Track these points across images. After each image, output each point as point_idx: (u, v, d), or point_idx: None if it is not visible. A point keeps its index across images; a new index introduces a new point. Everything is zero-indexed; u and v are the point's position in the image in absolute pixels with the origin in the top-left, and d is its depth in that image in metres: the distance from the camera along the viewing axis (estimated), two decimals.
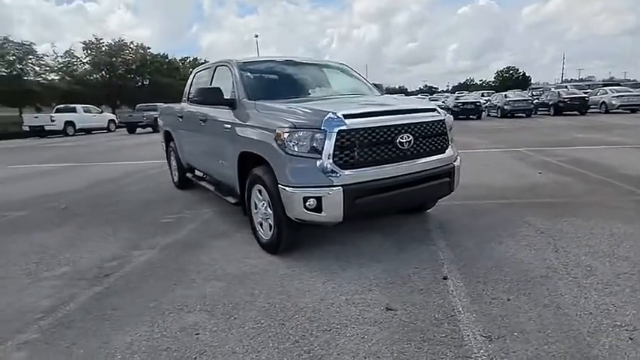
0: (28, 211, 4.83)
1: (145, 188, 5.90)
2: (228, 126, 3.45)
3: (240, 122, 3.28)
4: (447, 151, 3.16)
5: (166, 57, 44.99)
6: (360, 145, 2.66)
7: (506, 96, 22.14)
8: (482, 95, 31.05)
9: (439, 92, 59.27)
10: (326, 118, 2.61)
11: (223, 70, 4.02)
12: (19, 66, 32.60)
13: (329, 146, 2.57)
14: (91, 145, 14.76)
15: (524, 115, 20.71)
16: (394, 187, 2.77)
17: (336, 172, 2.57)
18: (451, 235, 3.32)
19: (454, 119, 3.73)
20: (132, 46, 40.41)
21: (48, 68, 34.03)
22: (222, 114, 3.61)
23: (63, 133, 20.32)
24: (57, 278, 2.82)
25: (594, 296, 2.24)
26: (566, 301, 2.21)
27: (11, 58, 32.24)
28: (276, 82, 3.94)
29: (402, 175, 2.79)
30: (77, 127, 21.03)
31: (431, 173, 2.97)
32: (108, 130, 23.37)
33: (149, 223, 4.08)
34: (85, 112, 22.11)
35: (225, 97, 3.52)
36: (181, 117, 4.96)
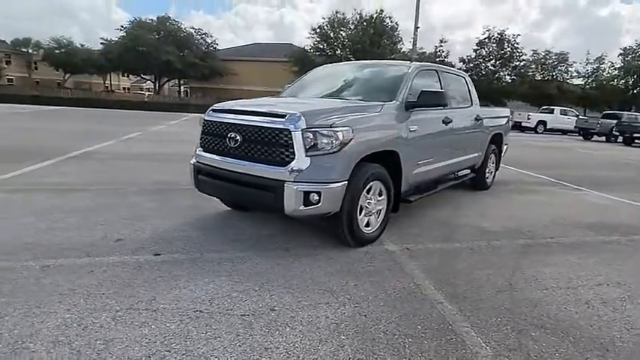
0: None
1: None
2: None
3: None
4: (289, 164, 2.73)
5: None
6: (208, 134, 3.29)
7: None
8: None
9: None
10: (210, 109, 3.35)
11: None
12: (552, 73, 35.76)
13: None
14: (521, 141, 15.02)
15: None
16: (221, 178, 3.09)
17: (196, 150, 3.40)
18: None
19: None
20: None
21: (576, 73, 35.47)
22: None
23: (534, 130, 22.02)
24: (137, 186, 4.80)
25: None
26: None
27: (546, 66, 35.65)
28: (314, 82, 4.56)
29: (225, 170, 3.05)
30: (547, 127, 22.37)
31: (252, 180, 2.88)
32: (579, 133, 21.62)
33: None
34: (560, 114, 22.95)
35: None
36: None
